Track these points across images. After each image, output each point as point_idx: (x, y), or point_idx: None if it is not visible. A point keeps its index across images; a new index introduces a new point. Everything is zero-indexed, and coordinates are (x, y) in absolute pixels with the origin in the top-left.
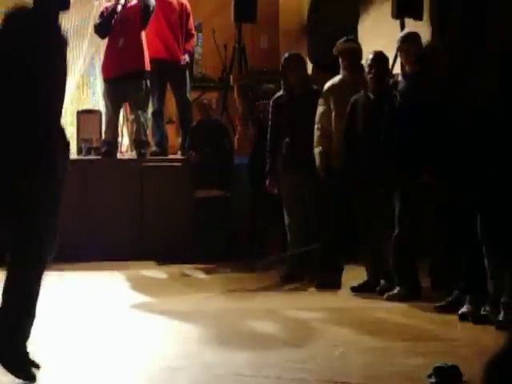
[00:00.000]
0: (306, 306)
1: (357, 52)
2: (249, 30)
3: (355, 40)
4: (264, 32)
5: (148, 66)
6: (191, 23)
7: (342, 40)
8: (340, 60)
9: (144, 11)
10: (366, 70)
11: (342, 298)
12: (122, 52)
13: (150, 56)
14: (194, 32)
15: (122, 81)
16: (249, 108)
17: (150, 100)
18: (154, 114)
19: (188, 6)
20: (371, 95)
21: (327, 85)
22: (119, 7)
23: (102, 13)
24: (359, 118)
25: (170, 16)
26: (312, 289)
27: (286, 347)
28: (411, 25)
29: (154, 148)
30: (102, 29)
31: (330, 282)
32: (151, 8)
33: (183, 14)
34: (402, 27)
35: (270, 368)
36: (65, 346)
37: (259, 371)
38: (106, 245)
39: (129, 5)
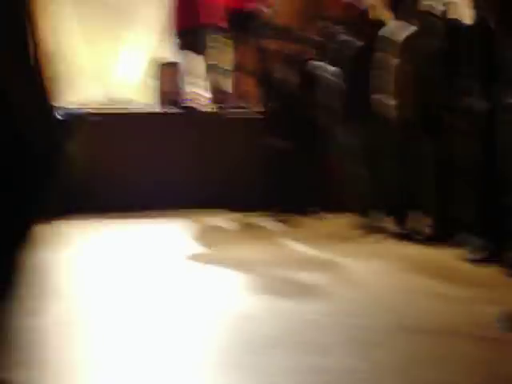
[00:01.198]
0: (374, 253)
1: None
2: None
3: None
4: None
5: (223, 20)
6: None
7: None
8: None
9: None
10: None
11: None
12: (194, 4)
13: (229, 7)
14: None
15: (195, 33)
16: None
17: (233, 51)
18: (235, 66)
19: None
20: None
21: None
22: None
23: None
24: None
25: None
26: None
27: (352, 295)
28: None
29: (233, 98)
30: None
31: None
32: None
33: None
34: None
35: (346, 316)
36: (134, 296)
37: (331, 317)
38: (182, 193)
39: None
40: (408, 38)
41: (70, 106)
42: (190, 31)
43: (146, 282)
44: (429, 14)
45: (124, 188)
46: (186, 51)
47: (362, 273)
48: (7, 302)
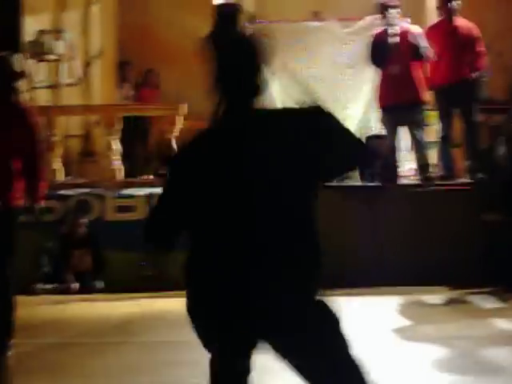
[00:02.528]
0: None
1: None
2: None
3: None
4: None
5: (426, 96)
6: (480, 45)
7: None
8: None
9: (416, 51)
10: None
11: None
12: (398, 81)
13: (436, 83)
14: (483, 52)
15: (401, 109)
16: None
17: (439, 125)
18: (442, 138)
19: (476, 30)
20: None
21: None
22: (392, 38)
23: (374, 41)
24: None
25: (457, 40)
26: None
27: None
28: None
29: (441, 172)
30: (376, 60)
31: None
32: (421, 51)
33: (472, 37)
34: None
35: None
36: None
37: None
38: (393, 270)
39: (400, 31)
40: None
41: None
42: (389, 108)
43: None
44: None
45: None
46: (385, 124)
47: None
48: None
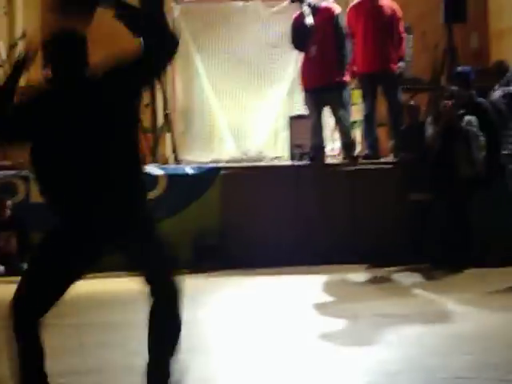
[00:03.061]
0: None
1: None
2: (458, 30)
3: None
4: (474, 32)
5: (348, 77)
6: (401, 26)
7: None
8: None
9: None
10: None
11: None
12: (316, 62)
13: (360, 70)
14: (404, 36)
15: (322, 90)
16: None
17: (363, 103)
18: (366, 117)
19: (398, 11)
20: None
21: None
22: (308, 19)
23: (293, 26)
24: None
25: (380, 22)
26: None
27: (506, 348)
28: None
29: (366, 151)
30: (297, 45)
31: None
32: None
33: (394, 19)
34: None
35: (492, 370)
36: (273, 352)
37: (480, 373)
38: (318, 248)
39: (319, 9)
40: None
41: (204, 161)
42: (312, 90)
43: (288, 339)
44: None
45: (254, 243)
46: (309, 105)
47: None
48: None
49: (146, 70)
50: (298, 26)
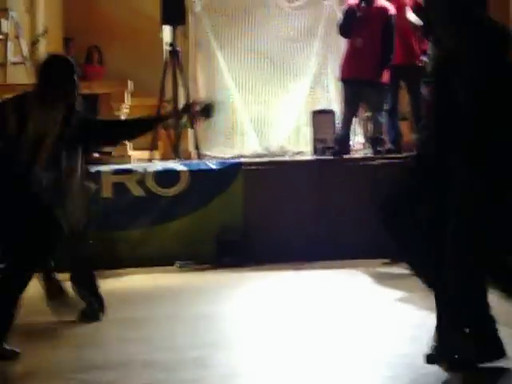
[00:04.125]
0: None
1: None
2: None
3: None
4: None
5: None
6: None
7: None
8: None
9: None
10: None
11: None
12: (361, 54)
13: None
14: None
15: (360, 83)
16: None
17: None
18: (388, 111)
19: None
20: None
21: None
22: (362, 8)
23: (345, 11)
24: None
25: (404, 16)
26: None
27: None
28: None
29: (388, 145)
30: (343, 29)
31: None
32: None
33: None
34: None
35: None
36: (300, 348)
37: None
38: (342, 243)
39: (375, 4)
40: None
41: (227, 156)
42: (350, 80)
43: (310, 335)
44: None
45: (277, 238)
46: (345, 98)
47: None
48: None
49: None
50: (350, 12)
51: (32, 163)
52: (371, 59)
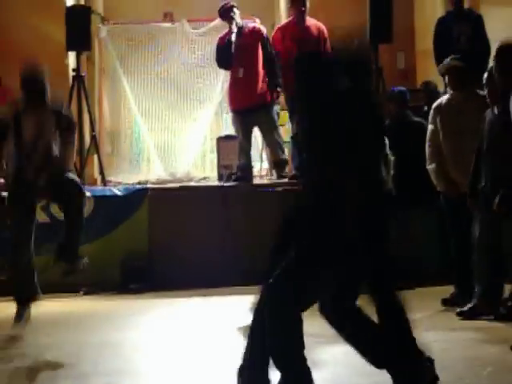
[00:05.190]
0: (448, 326)
1: (461, 70)
2: (385, 50)
3: (460, 58)
4: (400, 52)
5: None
6: (328, 47)
7: (447, 59)
8: (446, 79)
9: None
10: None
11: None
12: (245, 83)
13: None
14: None
15: (249, 111)
16: None
17: (288, 122)
18: (292, 138)
19: (325, 31)
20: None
21: (434, 104)
22: (233, 36)
23: (218, 45)
24: (484, 136)
25: (307, 43)
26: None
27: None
28: None
29: (293, 171)
30: (221, 63)
31: None
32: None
33: (320, 40)
34: None
35: None
36: (205, 372)
37: None
38: (248, 270)
39: (246, 30)
40: None
41: (132, 182)
42: (239, 111)
43: (216, 362)
44: None
45: (182, 264)
46: (237, 126)
47: None
48: None
49: None
50: (223, 44)
51: None
52: (255, 85)
